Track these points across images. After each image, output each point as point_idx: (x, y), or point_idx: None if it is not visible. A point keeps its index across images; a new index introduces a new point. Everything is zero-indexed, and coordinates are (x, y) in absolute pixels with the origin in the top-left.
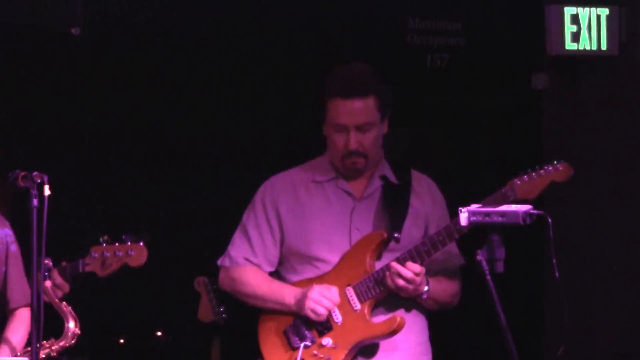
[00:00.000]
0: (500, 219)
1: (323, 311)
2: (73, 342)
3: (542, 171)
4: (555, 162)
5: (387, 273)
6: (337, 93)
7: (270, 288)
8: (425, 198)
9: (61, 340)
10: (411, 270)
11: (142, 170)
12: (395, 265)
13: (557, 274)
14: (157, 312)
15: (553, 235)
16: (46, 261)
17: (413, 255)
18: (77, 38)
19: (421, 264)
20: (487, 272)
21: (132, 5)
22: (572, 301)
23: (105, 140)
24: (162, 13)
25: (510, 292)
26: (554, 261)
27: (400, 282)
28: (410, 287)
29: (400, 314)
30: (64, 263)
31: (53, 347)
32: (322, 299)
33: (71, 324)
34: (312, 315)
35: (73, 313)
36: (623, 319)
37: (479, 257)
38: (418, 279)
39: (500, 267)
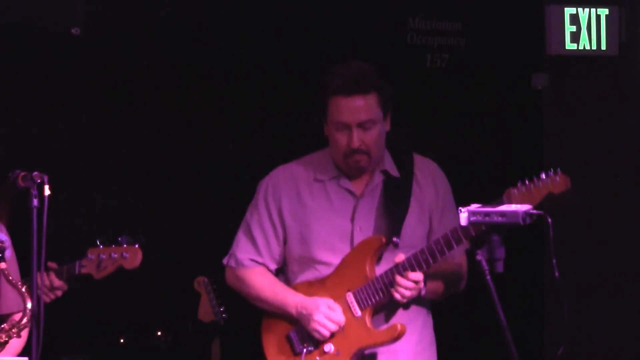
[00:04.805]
0: (500, 219)
1: (327, 333)
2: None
3: (539, 182)
4: (552, 172)
5: (393, 289)
6: (338, 91)
7: (274, 293)
8: (428, 187)
9: (21, 320)
10: (413, 279)
11: (142, 170)
12: (400, 279)
13: (557, 274)
14: (157, 312)
15: (553, 235)
16: None
17: (412, 264)
18: (77, 38)
19: (421, 270)
20: (487, 272)
21: (132, 6)
22: (572, 301)
23: (105, 140)
24: (162, 13)
25: (510, 292)
26: (554, 261)
27: (407, 292)
28: (415, 293)
29: (400, 313)
30: (50, 264)
31: (13, 330)
32: (327, 322)
33: (29, 305)
34: (315, 335)
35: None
36: (623, 319)
37: (479, 257)
38: (420, 285)
39: (500, 267)
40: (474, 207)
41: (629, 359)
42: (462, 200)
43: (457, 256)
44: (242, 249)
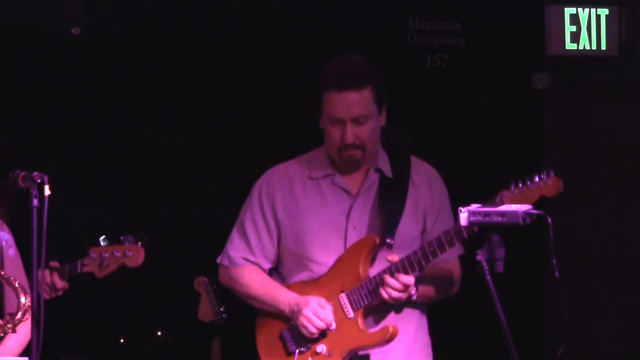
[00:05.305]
0: (500, 219)
1: (315, 330)
2: (28, 315)
3: (532, 184)
4: (545, 175)
5: (381, 288)
6: (331, 85)
7: (266, 292)
8: (423, 188)
9: (16, 315)
10: (403, 282)
11: (142, 170)
12: (389, 280)
13: (557, 274)
14: (157, 312)
15: (553, 235)
16: None
17: (405, 265)
18: (77, 38)
19: (413, 272)
20: (487, 272)
21: (132, 5)
22: (572, 301)
23: (105, 140)
24: (162, 13)
25: (510, 292)
26: (554, 261)
27: (394, 294)
28: (404, 296)
29: (392, 314)
30: (52, 263)
31: (8, 326)
32: (315, 319)
33: (23, 299)
34: (304, 332)
35: (25, 288)
36: (623, 319)
37: (479, 257)
38: (410, 289)
39: (500, 267)
40: (473, 207)
41: (629, 359)
42: (462, 200)
43: (450, 261)
44: (235, 248)
